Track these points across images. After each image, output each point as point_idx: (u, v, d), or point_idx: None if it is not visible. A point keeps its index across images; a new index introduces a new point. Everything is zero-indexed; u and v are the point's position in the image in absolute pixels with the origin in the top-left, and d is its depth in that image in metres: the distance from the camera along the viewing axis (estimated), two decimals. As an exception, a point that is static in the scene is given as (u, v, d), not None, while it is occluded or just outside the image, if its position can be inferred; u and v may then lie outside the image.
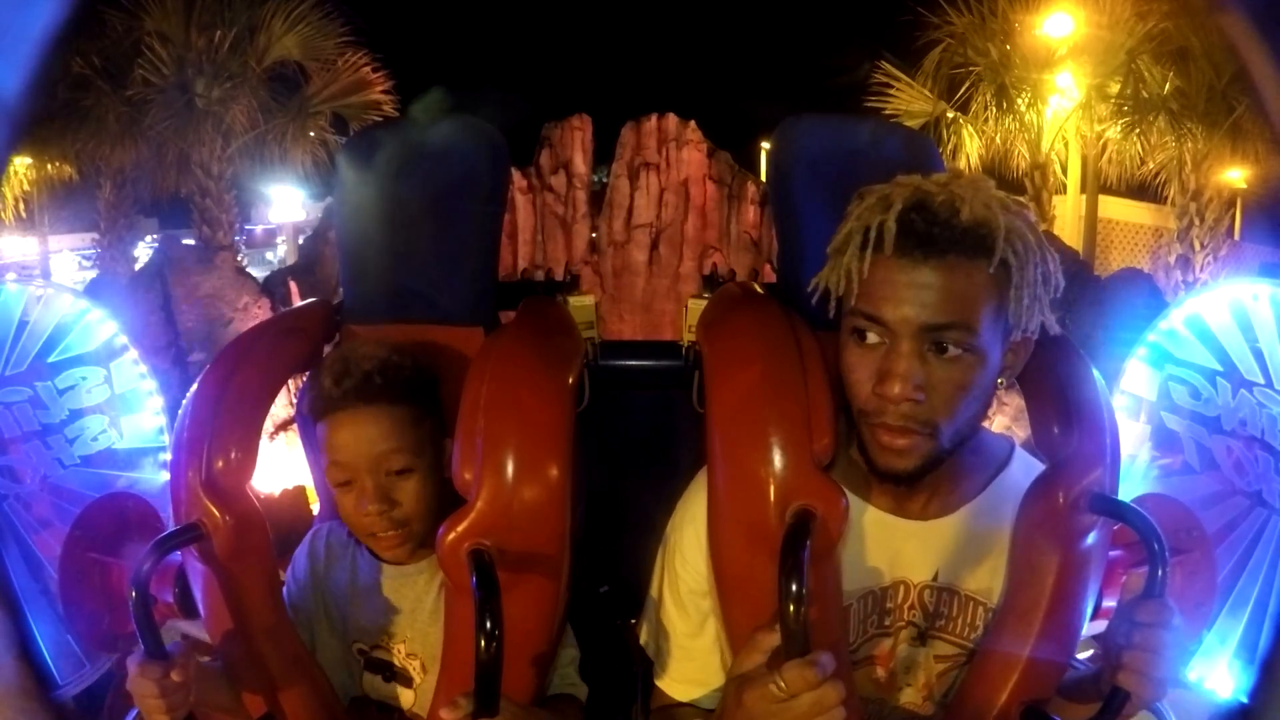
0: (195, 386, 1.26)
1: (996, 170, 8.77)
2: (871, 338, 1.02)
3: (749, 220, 8.22)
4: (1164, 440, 2.13)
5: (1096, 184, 9.27)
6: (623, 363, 1.82)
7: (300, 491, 4.53)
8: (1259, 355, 1.96)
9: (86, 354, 2.26)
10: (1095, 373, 1.17)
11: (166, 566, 1.35)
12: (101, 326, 2.27)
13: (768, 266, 7.68)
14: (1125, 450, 1.34)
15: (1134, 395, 2.19)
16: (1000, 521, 1.15)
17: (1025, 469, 1.18)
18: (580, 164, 8.27)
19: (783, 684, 0.88)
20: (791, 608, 0.89)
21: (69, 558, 1.83)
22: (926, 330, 0.99)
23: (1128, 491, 1.73)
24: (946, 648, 1.18)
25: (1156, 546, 0.99)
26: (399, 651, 1.30)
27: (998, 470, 1.17)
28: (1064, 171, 9.05)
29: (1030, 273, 1.00)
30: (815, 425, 1.06)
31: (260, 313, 6.49)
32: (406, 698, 1.31)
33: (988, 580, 1.16)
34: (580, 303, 1.69)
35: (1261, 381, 1.96)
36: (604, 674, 1.33)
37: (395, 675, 1.31)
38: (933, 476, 1.09)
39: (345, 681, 1.33)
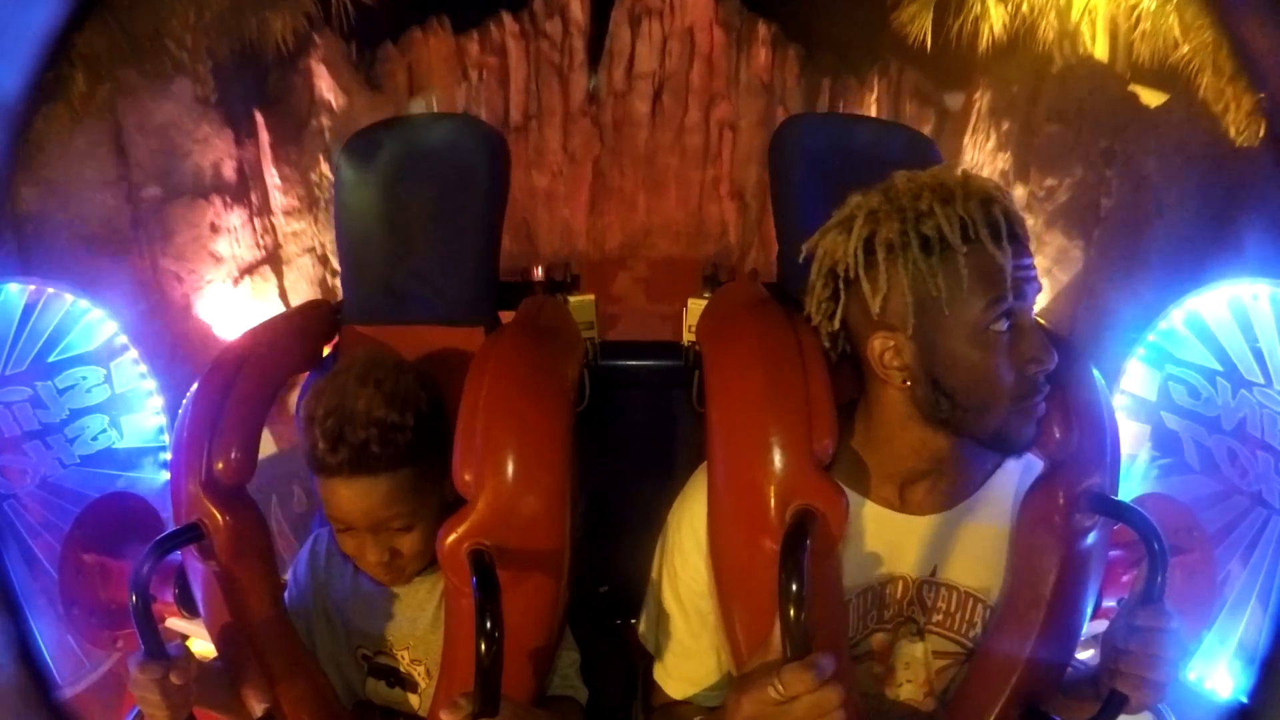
0: (196, 386, 1.26)
1: (1022, 41, 8.29)
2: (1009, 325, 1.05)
3: (760, 63, 7.60)
4: (1164, 440, 2.13)
5: (1128, 65, 8.76)
6: (623, 363, 1.82)
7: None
8: (1259, 355, 1.96)
9: (86, 354, 2.26)
10: (1095, 373, 1.17)
11: (166, 566, 1.35)
12: (101, 326, 2.27)
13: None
14: (1125, 450, 1.33)
15: (1134, 395, 2.19)
16: (997, 517, 1.15)
17: (1022, 465, 1.18)
18: (577, 10, 7.68)
19: (781, 686, 0.88)
20: (791, 608, 0.89)
21: (69, 558, 1.83)
22: (1035, 296, 1.06)
23: (1128, 491, 1.73)
24: (945, 644, 1.18)
25: (1156, 547, 0.99)
26: (403, 658, 1.30)
27: (995, 466, 1.17)
28: (1092, 43, 8.54)
29: None
30: (815, 425, 1.06)
31: (223, 145, 5.58)
32: (411, 703, 1.30)
33: (985, 577, 1.16)
34: (580, 303, 1.69)
35: (1261, 381, 1.95)
36: (604, 674, 1.33)
37: (400, 681, 1.31)
38: (936, 468, 1.10)
39: (347, 686, 1.33)
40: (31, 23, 0.67)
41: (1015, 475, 1.17)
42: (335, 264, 5.63)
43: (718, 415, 1.13)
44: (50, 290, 2.20)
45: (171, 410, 2.30)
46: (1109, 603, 1.24)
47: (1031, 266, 1.05)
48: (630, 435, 1.82)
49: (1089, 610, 1.14)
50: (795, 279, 1.37)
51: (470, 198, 1.45)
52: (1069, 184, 5.71)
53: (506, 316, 1.43)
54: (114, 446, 2.30)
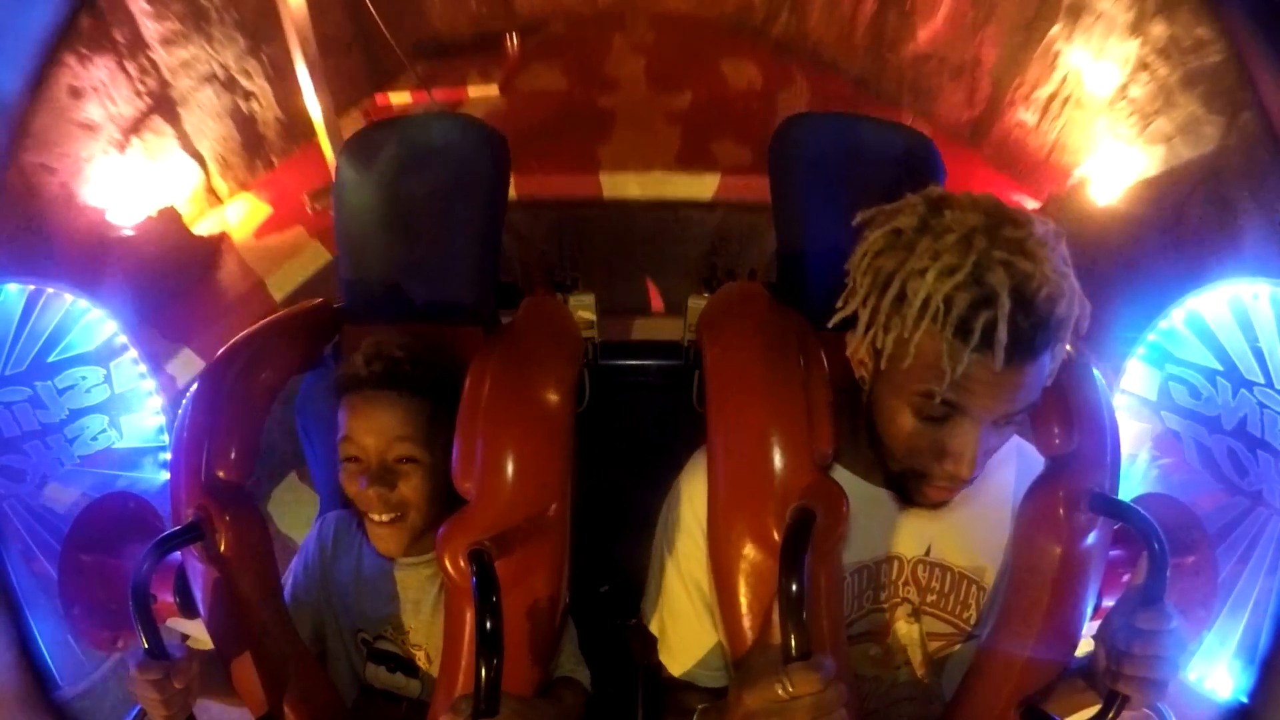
0: (195, 386, 1.26)
1: None
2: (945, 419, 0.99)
3: None
4: (1164, 440, 2.13)
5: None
6: (623, 362, 1.82)
7: (171, 214, 3.53)
8: (1259, 355, 1.96)
9: (86, 354, 2.26)
10: (1095, 373, 1.18)
11: (166, 566, 1.35)
12: (101, 326, 2.27)
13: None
14: (1125, 450, 1.34)
15: (1134, 395, 2.19)
16: (991, 499, 1.16)
17: (1014, 447, 1.19)
18: None
19: (789, 685, 0.89)
20: (792, 610, 0.89)
21: (69, 557, 1.83)
22: (1005, 415, 0.98)
23: (1128, 491, 1.73)
24: (940, 625, 1.18)
25: (1157, 546, 0.99)
26: (404, 642, 1.31)
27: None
28: None
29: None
30: (815, 426, 1.06)
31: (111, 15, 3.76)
32: (412, 687, 1.31)
33: (978, 558, 1.17)
34: (580, 303, 1.69)
35: (1261, 381, 1.95)
36: (604, 674, 1.33)
37: (400, 666, 1.32)
38: None
39: (351, 670, 1.34)
40: (31, 23, 0.67)
41: (1012, 462, 1.18)
42: (246, 85, 4.34)
43: (717, 415, 1.13)
44: (50, 290, 2.20)
45: (171, 410, 2.30)
46: (1109, 602, 1.24)
47: (1014, 388, 0.94)
48: (630, 435, 1.82)
49: (1089, 610, 1.14)
50: (795, 279, 1.38)
51: (470, 197, 1.45)
52: (1226, 44, 4.13)
53: (506, 316, 1.43)
54: (114, 446, 2.30)
